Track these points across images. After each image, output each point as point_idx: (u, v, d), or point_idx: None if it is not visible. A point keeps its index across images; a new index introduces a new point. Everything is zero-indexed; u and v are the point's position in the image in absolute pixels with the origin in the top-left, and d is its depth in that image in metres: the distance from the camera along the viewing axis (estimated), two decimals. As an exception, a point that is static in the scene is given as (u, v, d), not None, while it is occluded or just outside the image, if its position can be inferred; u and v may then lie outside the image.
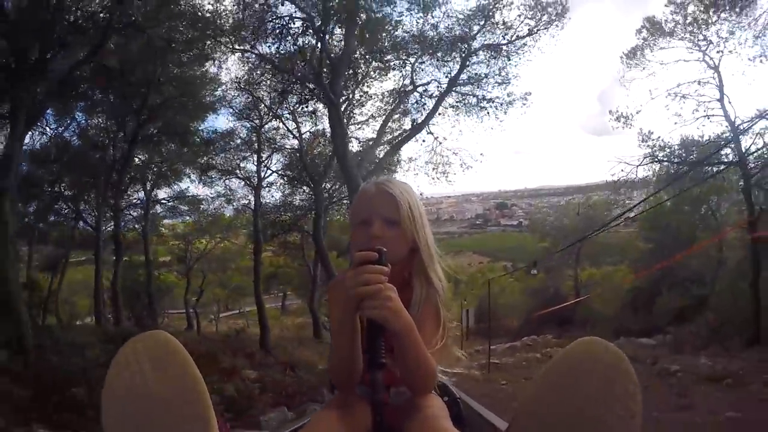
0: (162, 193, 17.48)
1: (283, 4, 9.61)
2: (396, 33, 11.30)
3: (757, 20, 10.17)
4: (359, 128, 13.63)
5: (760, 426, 4.56)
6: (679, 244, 13.39)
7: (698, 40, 11.36)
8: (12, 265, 7.40)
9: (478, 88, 11.46)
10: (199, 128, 14.97)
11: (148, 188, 16.59)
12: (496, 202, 63.79)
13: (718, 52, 11.06)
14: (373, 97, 12.64)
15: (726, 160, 9.91)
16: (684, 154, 11.14)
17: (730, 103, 10.37)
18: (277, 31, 9.71)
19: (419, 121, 11.31)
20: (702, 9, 10.74)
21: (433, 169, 12.01)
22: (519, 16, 10.93)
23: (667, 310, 12.40)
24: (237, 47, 11.60)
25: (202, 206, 18.17)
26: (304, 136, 14.49)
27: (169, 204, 17.88)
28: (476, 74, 11.61)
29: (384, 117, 12.61)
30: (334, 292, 1.27)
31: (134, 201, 16.75)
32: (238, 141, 15.51)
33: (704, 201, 13.31)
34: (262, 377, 9.15)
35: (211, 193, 17.46)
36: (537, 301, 18.00)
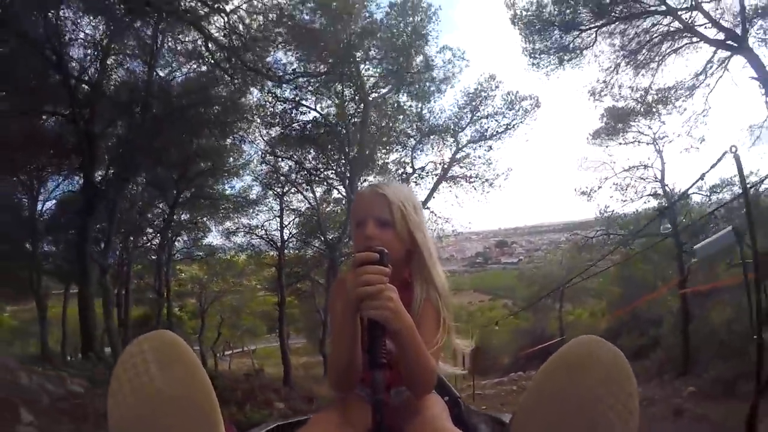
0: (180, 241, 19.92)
1: (309, 112, 12.87)
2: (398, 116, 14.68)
3: (688, 121, 13.50)
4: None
5: None
6: (644, 291, 16.39)
7: (651, 124, 14.72)
8: (113, 320, 10.40)
9: (467, 169, 14.72)
10: (225, 191, 17.98)
11: (170, 236, 19.23)
12: (496, 240, 65.72)
13: (662, 138, 14.43)
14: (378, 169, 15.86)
15: (666, 230, 13.01)
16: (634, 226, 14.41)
17: (666, 186, 13.71)
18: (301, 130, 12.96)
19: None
20: (644, 109, 14.09)
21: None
22: (497, 112, 14.27)
23: (630, 348, 15.28)
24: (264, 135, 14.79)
25: (218, 254, 20.65)
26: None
27: (186, 251, 20.42)
28: (465, 154, 14.91)
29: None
30: (335, 292, 1.35)
31: (153, 247, 19.07)
32: (254, 197, 17.95)
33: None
34: (293, 407, 11.91)
35: (230, 245, 19.94)
36: (526, 340, 20.78)
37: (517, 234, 68.49)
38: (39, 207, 15.59)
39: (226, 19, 9.69)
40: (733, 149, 3.76)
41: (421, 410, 1.25)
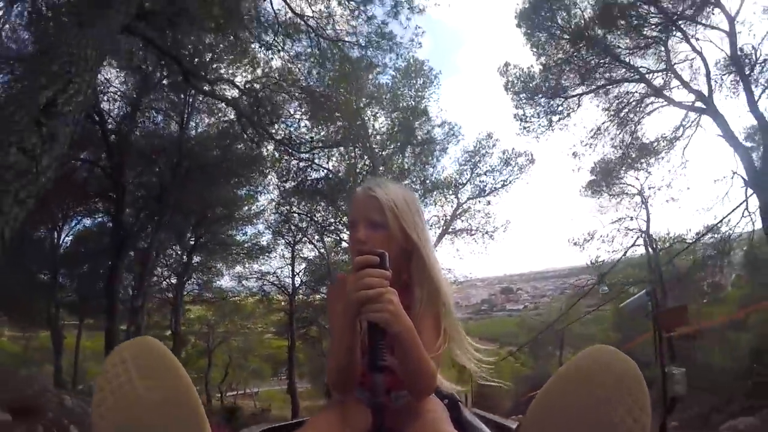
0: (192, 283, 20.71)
1: (321, 170, 14.33)
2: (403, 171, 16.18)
3: (668, 174, 15.04)
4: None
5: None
6: (637, 334, 17.46)
7: (638, 176, 16.25)
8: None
9: (468, 223, 16.11)
10: (236, 236, 19.20)
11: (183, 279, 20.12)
12: (501, 287, 65.69)
13: (648, 189, 15.98)
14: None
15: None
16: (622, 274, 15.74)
17: (651, 236, 15.11)
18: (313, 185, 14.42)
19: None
20: (628, 162, 15.65)
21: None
22: (494, 169, 15.80)
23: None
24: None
25: (227, 296, 21.73)
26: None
27: (197, 292, 21.26)
28: (466, 208, 16.32)
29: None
30: (334, 294, 1.35)
31: (165, 287, 19.95)
32: (264, 243, 19.17)
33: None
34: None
35: (240, 288, 21.20)
36: (527, 384, 21.60)
37: (522, 280, 68.69)
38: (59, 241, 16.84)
39: (254, 98, 11.10)
40: (644, 236, 5.17)
41: (421, 413, 1.26)
